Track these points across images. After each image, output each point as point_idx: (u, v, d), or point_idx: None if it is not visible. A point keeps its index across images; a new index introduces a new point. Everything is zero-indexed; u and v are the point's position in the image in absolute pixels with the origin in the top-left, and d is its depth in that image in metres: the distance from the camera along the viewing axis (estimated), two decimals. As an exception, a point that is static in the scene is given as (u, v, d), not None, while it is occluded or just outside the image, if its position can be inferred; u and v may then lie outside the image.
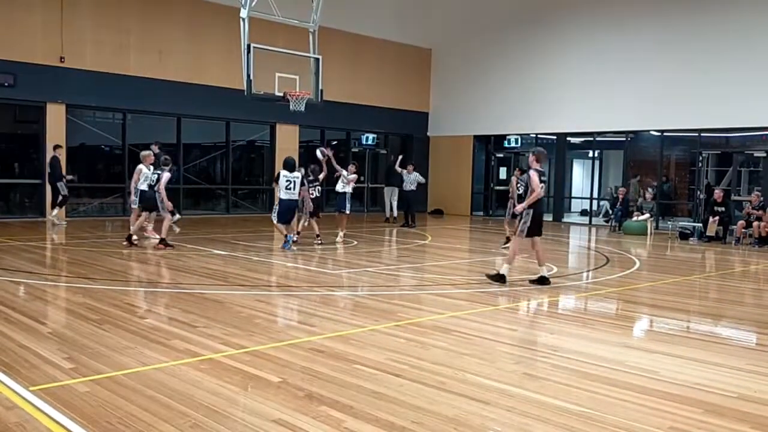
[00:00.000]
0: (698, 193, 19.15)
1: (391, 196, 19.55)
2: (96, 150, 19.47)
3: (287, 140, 20.97)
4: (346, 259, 11.52)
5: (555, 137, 21.95)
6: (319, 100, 14.73)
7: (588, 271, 11.03)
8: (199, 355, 5.10)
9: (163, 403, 4.04)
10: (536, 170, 8.56)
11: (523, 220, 8.63)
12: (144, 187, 11.92)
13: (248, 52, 13.29)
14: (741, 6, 17.52)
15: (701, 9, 18.18)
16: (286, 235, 11.88)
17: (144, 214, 12.18)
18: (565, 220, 21.84)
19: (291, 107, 14.28)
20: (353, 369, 4.83)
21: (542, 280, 8.72)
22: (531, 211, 8.58)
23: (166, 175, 11.72)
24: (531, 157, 8.77)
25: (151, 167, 12.00)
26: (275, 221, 12.14)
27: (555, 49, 21.21)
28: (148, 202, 11.92)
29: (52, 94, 16.40)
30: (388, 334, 5.97)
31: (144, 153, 12.38)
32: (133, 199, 12.22)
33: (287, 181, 11.71)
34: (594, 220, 21.18)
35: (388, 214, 19.61)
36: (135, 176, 12.09)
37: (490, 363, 5.15)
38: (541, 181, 8.53)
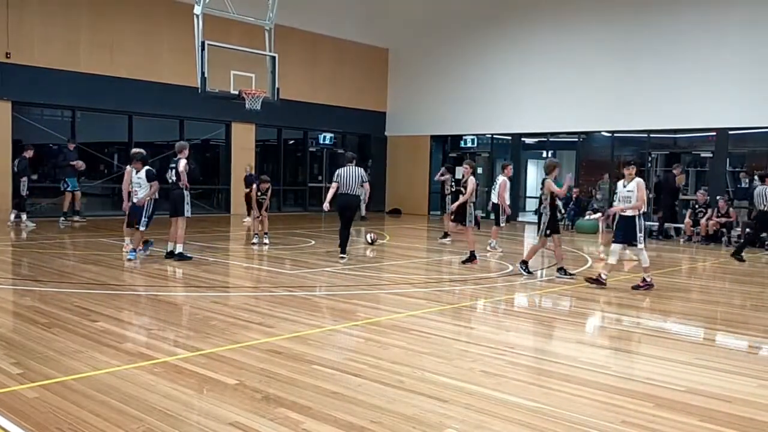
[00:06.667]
0: (648, 192, 19.64)
1: None
2: (44, 148, 18.87)
3: (243, 139, 20.75)
4: (304, 259, 11.45)
5: (510, 137, 22.25)
6: (276, 98, 14.60)
7: (542, 269, 11.20)
8: (153, 358, 4.99)
9: (115, 407, 3.94)
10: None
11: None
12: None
13: (202, 49, 13.10)
14: (689, 10, 18.05)
15: (652, 13, 18.64)
16: (146, 241, 10.74)
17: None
18: (520, 219, 22.14)
19: (247, 106, 14.13)
20: (311, 370, 4.81)
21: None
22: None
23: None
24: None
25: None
26: (145, 228, 10.36)
27: (510, 50, 21.48)
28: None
29: (-3, 90, 15.90)
30: (347, 334, 5.96)
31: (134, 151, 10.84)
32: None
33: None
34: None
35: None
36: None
37: (448, 361, 5.19)
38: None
